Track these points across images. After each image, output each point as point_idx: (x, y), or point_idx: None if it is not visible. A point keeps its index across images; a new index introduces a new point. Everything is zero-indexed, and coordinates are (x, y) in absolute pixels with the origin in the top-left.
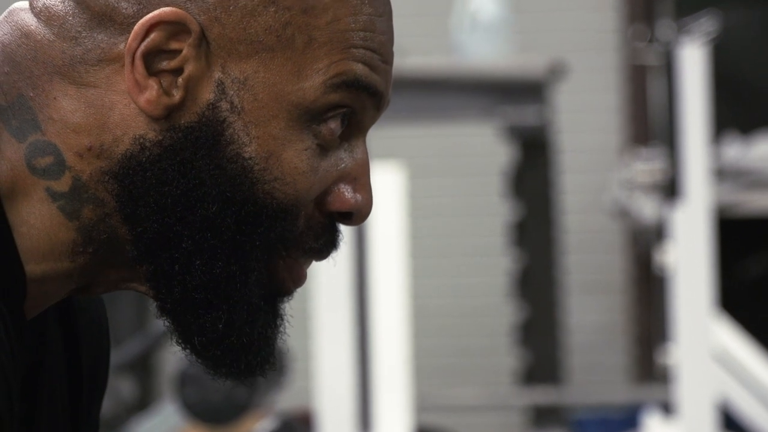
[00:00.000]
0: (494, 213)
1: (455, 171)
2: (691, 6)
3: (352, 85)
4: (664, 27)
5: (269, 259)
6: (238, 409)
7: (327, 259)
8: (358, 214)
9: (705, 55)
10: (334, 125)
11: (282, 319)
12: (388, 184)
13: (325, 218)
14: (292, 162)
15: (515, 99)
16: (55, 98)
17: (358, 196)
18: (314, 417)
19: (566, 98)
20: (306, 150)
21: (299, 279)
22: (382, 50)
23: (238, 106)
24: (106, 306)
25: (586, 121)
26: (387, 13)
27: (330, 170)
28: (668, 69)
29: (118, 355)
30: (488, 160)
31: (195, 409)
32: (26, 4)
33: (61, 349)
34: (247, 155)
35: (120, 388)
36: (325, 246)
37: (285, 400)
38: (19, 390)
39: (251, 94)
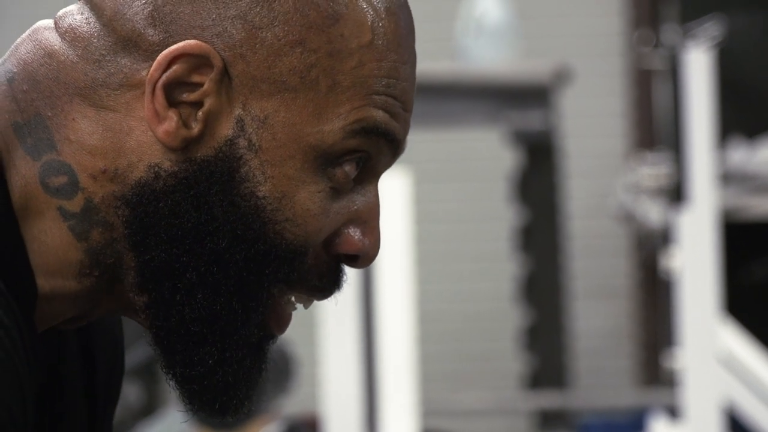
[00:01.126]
0: (500, 218)
1: (461, 176)
2: (696, 10)
3: (372, 132)
4: (670, 31)
5: (271, 300)
6: (244, 414)
7: (328, 299)
8: (364, 257)
9: (710, 59)
10: (349, 168)
11: (266, 363)
12: (393, 190)
13: (330, 259)
14: (305, 204)
15: (520, 104)
16: (73, 119)
17: (366, 240)
18: (320, 422)
19: (571, 103)
20: (319, 192)
21: (285, 323)
22: (404, 98)
23: (256, 145)
24: None
25: (591, 126)
26: (412, 61)
27: (341, 212)
28: (673, 73)
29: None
30: (494, 165)
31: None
32: (51, 23)
33: (78, 359)
34: (260, 194)
35: (127, 393)
36: (329, 285)
37: (291, 406)
38: (34, 399)
39: (270, 133)
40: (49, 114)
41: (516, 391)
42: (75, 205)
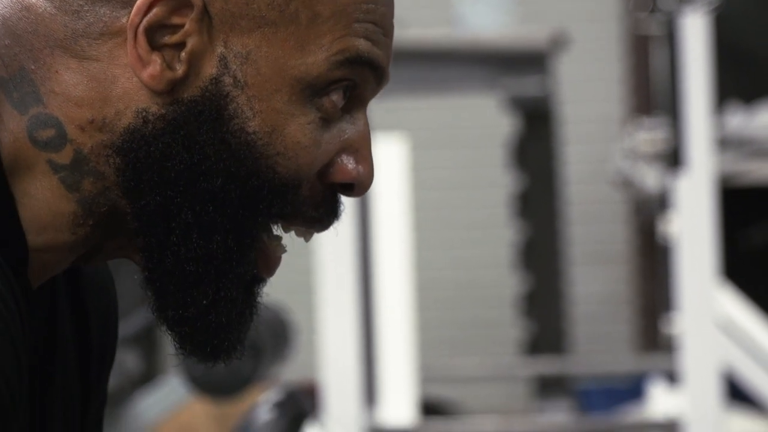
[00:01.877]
0: (497, 184)
1: (458, 143)
2: None
3: (355, 61)
4: None
5: (264, 237)
6: (242, 382)
7: (329, 229)
8: (359, 186)
9: (707, 24)
10: (336, 97)
11: (257, 307)
12: (390, 157)
13: (325, 188)
14: (295, 136)
15: (517, 70)
16: (56, 72)
17: (360, 168)
18: (319, 389)
19: (568, 69)
20: (309, 124)
21: (273, 266)
22: (384, 22)
23: (241, 81)
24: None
25: (588, 92)
26: None
27: (332, 142)
28: (670, 38)
29: (122, 329)
30: (491, 132)
31: (200, 382)
32: None
33: (70, 319)
34: (250, 129)
35: (125, 361)
36: (326, 215)
37: (289, 373)
38: (28, 362)
39: (254, 68)
40: (33, 67)
41: (514, 357)
42: (64, 156)
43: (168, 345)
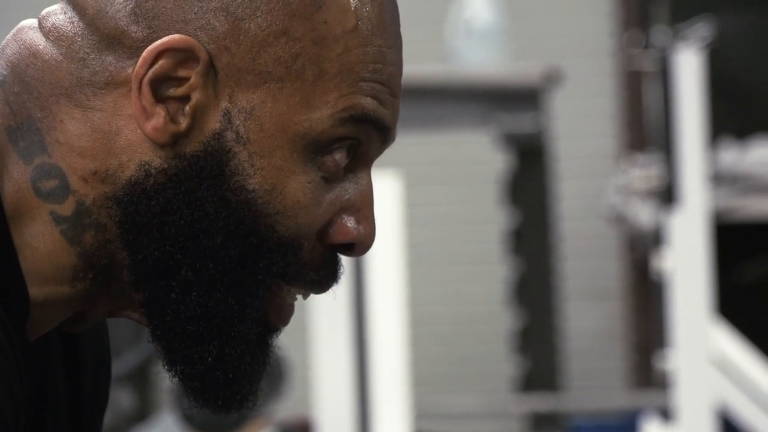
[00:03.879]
0: (491, 220)
1: (452, 179)
2: (686, 11)
3: (361, 120)
4: (660, 32)
5: (267, 295)
6: (237, 419)
7: (326, 292)
8: (360, 246)
9: (700, 60)
10: (339, 156)
11: (270, 357)
12: (384, 193)
13: (326, 250)
14: (295, 195)
15: (511, 106)
16: (61, 121)
17: (361, 228)
18: (313, 426)
19: (562, 104)
20: (309, 183)
21: (287, 315)
22: (392, 83)
23: (244, 137)
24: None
25: (582, 128)
26: (397, 46)
27: (334, 202)
28: (664, 74)
29: (116, 367)
30: (485, 168)
31: (194, 420)
32: (35, 23)
33: (63, 364)
34: (251, 187)
35: (119, 399)
36: (326, 278)
37: (284, 409)
38: (26, 413)
39: (257, 124)
40: (39, 116)
41: (508, 394)
42: (67, 208)
43: (162, 382)
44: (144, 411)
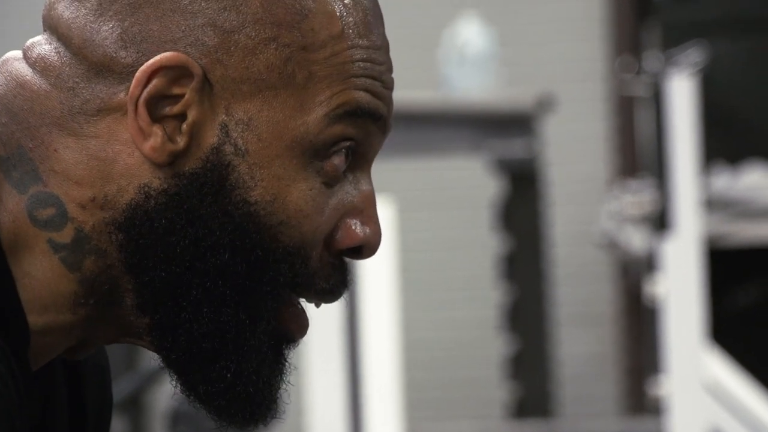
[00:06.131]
0: (483, 246)
1: (444, 204)
2: (678, 37)
3: (355, 114)
4: (652, 58)
5: (278, 306)
6: None
7: (338, 299)
8: (367, 247)
9: (693, 85)
10: (338, 161)
11: (287, 368)
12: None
13: (333, 257)
14: (297, 204)
15: (503, 132)
16: (55, 150)
17: (367, 230)
18: None
19: (554, 130)
20: (311, 190)
21: (304, 328)
22: (383, 77)
23: (242, 148)
24: None
25: (574, 153)
26: (384, 47)
27: (337, 207)
28: (656, 100)
29: None
30: (477, 194)
31: None
32: (20, 54)
33: (66, 395)
34: (252, 200)
35: (113, 426)
36: (336, 287)
37: None
38: None
39: (255, 134)
40: (30, 146)
41: (501, 420)
42: (65, 236)
43: (156, 409)
44: None
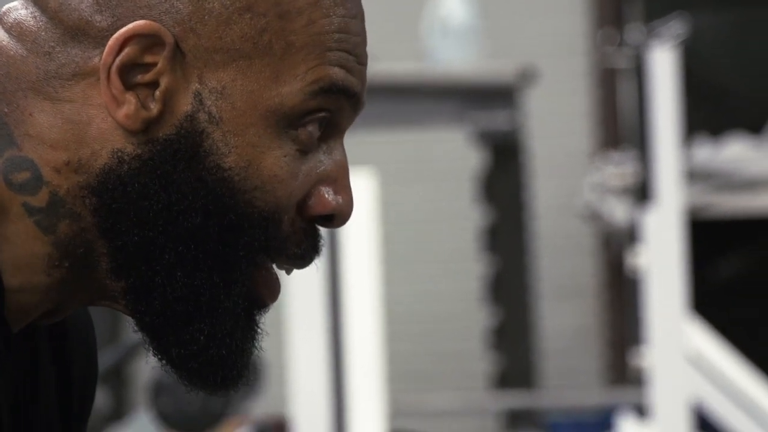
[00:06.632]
0: (466, 218)
1: (427, 177)
2: (660, 9)
3: (330, 90)
4: (634, 30)
5: (252, 270)
6: (213, 418)
7: (309, 265)
8: (339, 216)
9: (675, 58)
10: (312, 128)
11: (259, 333)
12: (359, 191)
13: (306, 223)
14: (272, 170)
15: (486, 104)
16: (30, 114)
17: (339, 198)
18: (289, 424)
19: (537, 102)
20: (285, 156)
21: (276, 292)
22: (357, 51)
23: (216, 116)
24: None
25: (556, 126)
26: (360, 15)
27: (310, 174)
28: (638, 72)
29: None
30: (459, 166)
31: (170, 419)
32: None
33: (52, 365)
34: (226, 165)
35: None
36: (308, 252)
37: (259, 408)
38: (9, 405)
39: (229, 103)
40: (6, 110)
41: (484, 392)
42: (40, 200)
43: (137, 381)
44: (120, 410)
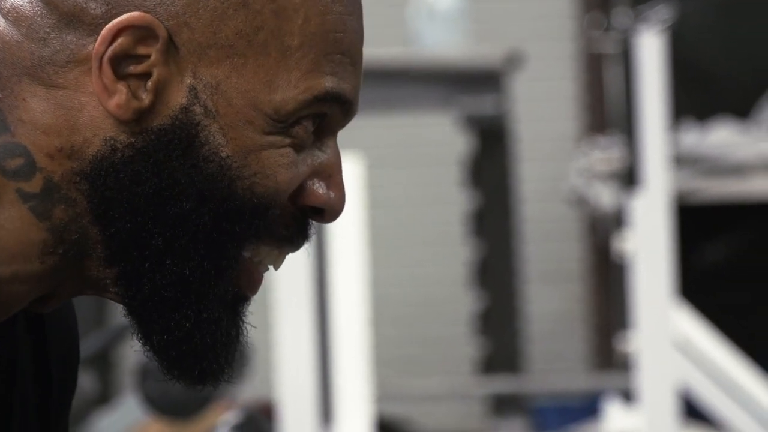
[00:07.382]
0: (452, 202)
1: (413, 161)
2: None
3: (323, 99)
4: (621, 15)
5: (240, 258)
6: (200, 403)
7: (299, 251)
8: (330, 211)
9: (662, 42)
10: (307, 124)
11: (242, 325)
12: (345, 175)
13: (296, 210)
14: (272, 157)
15: (472, 88)
16: (24, 99)
17: (331, 193)
18: (276, 408)
19: (523, 87)
20: (282, 147)
21: (256, 285)
22: (352, 51)
23: (213, 110)
24: None
25: (543, 110)
26: (357, 13)
27: (306, 164)
28: (625, 57)
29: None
30: (446, 150)
31: (157, 403)
32: None
33: (30, 351)
34: (224, 154)
35: (81, 382)
36: (296, 235)
37: (246, 392)
38: None
39: (225, 99)
40: (0, 96)
41: (470, 376)
42: (34, 185)
43: (124, 365)
44: (106, 394)
